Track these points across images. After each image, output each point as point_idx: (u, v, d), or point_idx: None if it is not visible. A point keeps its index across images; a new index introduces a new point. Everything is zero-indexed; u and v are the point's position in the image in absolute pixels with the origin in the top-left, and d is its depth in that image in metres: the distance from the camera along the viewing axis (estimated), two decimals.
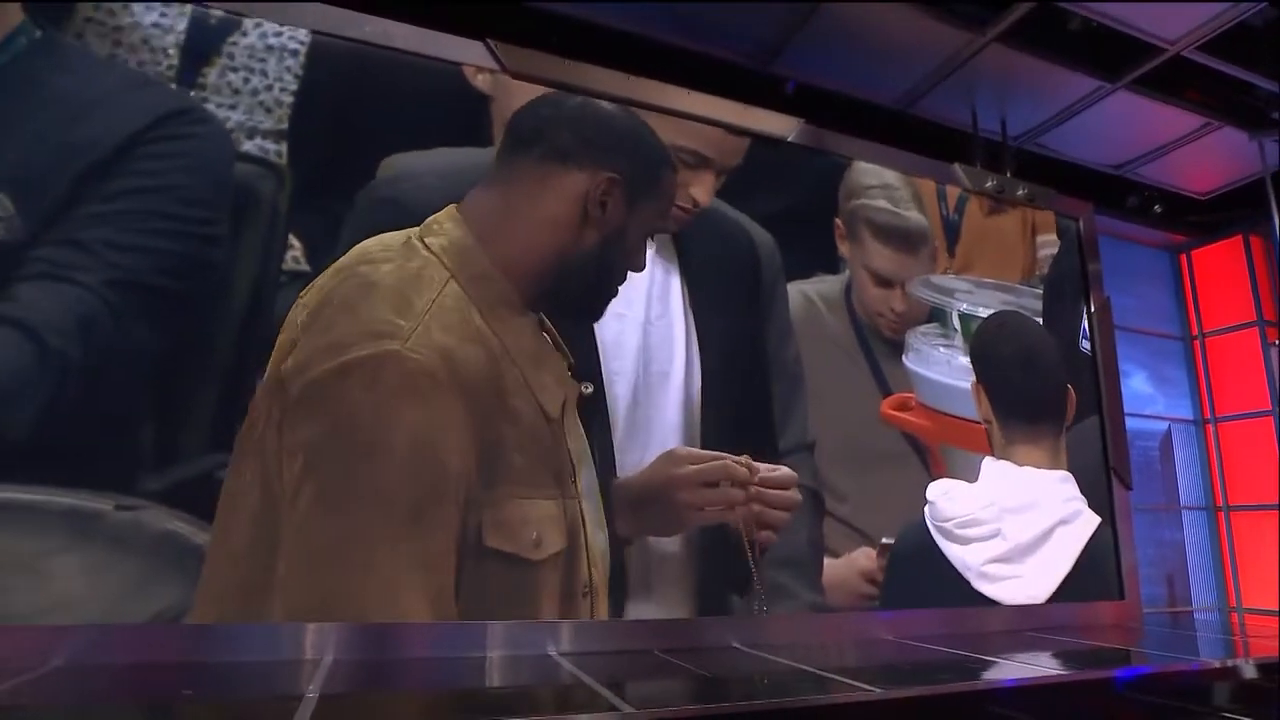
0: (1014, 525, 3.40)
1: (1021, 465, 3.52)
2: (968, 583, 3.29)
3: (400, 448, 2.09)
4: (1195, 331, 5.19)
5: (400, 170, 2.66)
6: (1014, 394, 3.63)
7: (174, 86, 2.49)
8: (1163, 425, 4.94)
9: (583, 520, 2.39)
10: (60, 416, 2.13)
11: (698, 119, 3.23)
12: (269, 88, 2.59)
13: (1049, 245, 4.19)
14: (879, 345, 3.54)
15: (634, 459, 2.78)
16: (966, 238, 3.94)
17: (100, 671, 1.97)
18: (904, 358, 3.59)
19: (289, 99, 2.61)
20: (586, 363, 2.72)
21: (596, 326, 2.79)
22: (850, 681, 1.98)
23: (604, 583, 2.49)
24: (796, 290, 3.35)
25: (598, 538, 2.49)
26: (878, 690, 1.91)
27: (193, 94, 2.50)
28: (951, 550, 3.31)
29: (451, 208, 2.39)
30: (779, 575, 2.93)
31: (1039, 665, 2.47)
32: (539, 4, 3.29)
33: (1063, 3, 3.28)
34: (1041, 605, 3.38)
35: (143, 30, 2.47)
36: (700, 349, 3.00)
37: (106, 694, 1.86)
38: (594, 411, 2.71)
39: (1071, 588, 3.45)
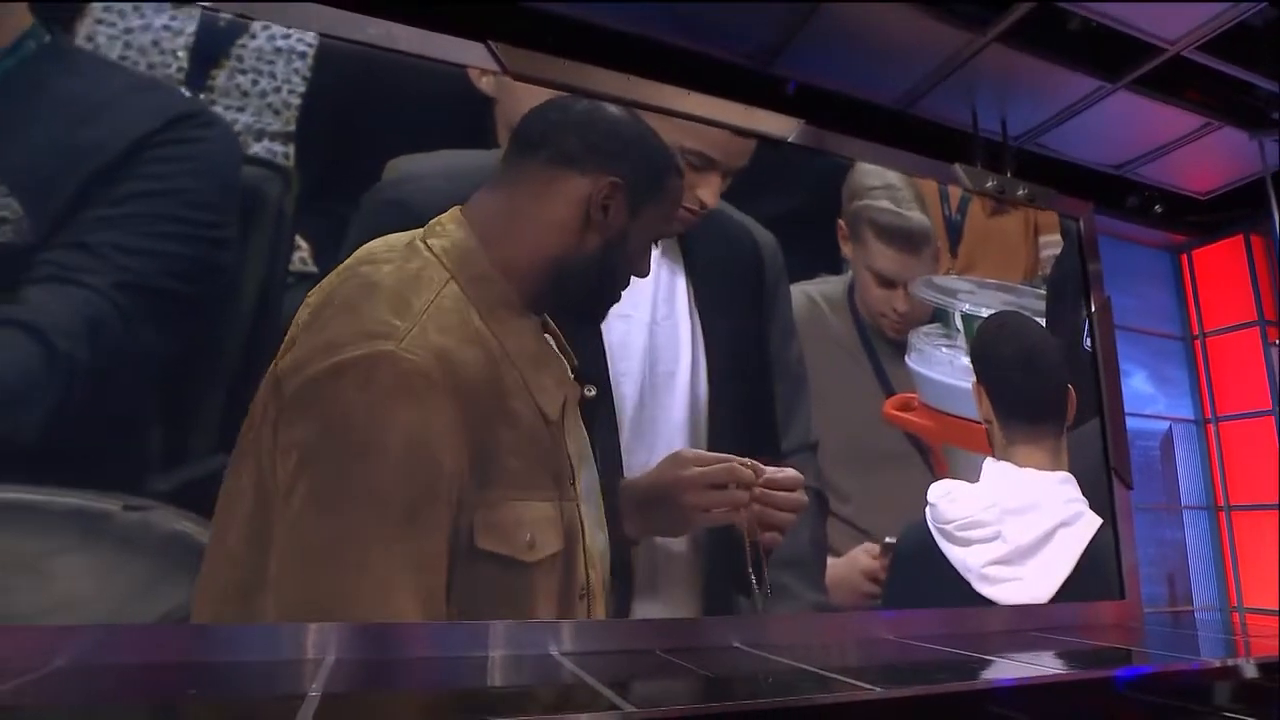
0: (1015, 527, 3.40)
1: (1022, 466, 3.53)
2: (969, 584, 3.30)
3: (394, 448, 2.10)
4: (1196, 331, 5.19)
5: (405, 172, 2.67)
6: (1014, 394, 3.63)
7: (183, 89, 2.50)
8: (1163, 425, 4.94)
9: (581, 522, 2.39)
10: (68, 418, 2.14)
11: (698, 120, 3.24)
12: (277, 90, 2.60)
13: (1051, 246, 4.19)
14: (882, 345, 3.55)
15: (640, 459, 2.79)
16: (969, 238, 3.94)
17: (103, 671, 1.98)
18: (906, 358, 3.60)
19: (297, 101, 2.62)
20: (593, 364, 2.73)
21: (603, 327, 2.81)
22: (851, 681, 1.98)
23: (601, 585, 2.49)
24: (800, 291, 3.36)
25: (597, 540, 2.49)
26: (878, 690, 1.91)
27: (202, 96, 2.52)
28: (952, 552, 3.31)
29: (455, 209, 2.40)
30: (782, 575, 2.93)
31: (1039, 665, 2.47)
32: (539, 5, 3.29)
33: (1063, 3, 3.28)
34: (1042, 605, 3.39)
35: (153, 32, 2.49)
36: (706, 350, 3.01)
37: (109, 694, 1.87)
38: (600, 412, 2.73)
39: (1072, 590, 3.45)
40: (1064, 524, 3.53)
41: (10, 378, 2.10)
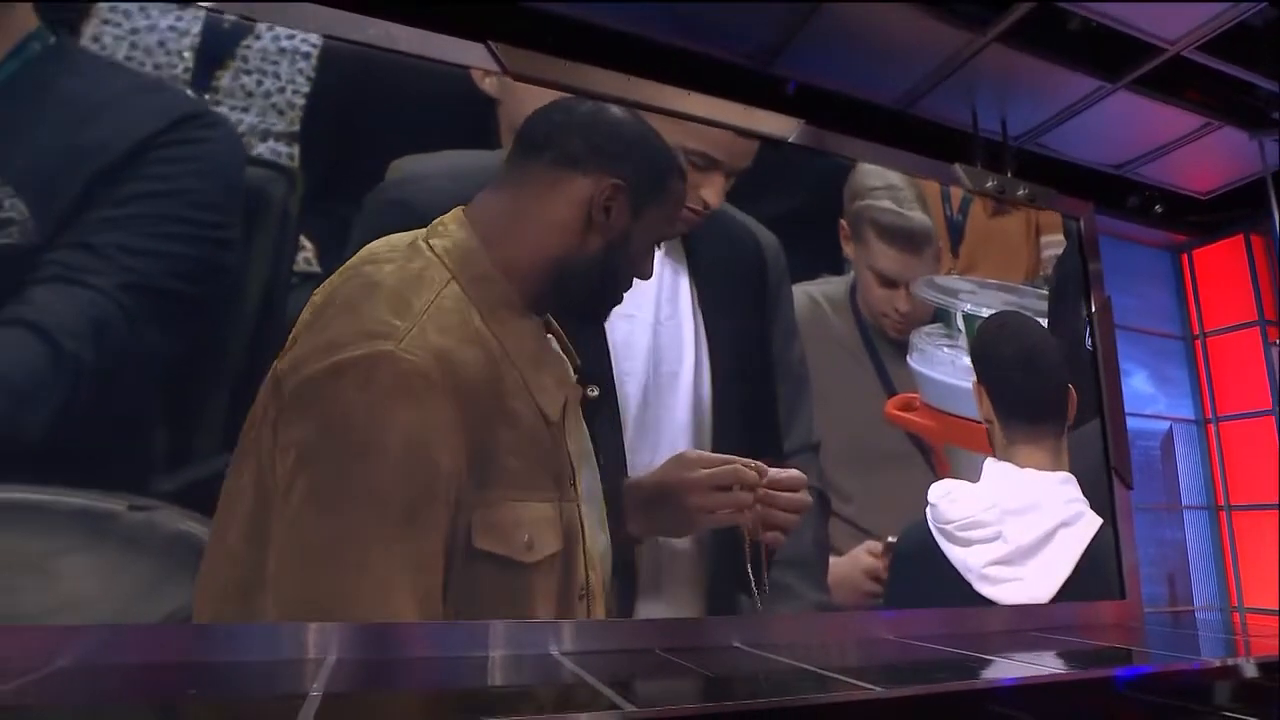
0: (1015, 527, 3.40)
1: (1023, 466, 3.53)
2: (969, 584, 3.30)
3: (392, 448, 2.10)
4: (1196, 331, 5.19)
5: (408, 172, 2.67)
6: (1015, 394, 3.63)
7: (189, 89, 2.50)
8: (1164, 425, 4.94)
9: (581, 523, 2.39)
10: (74, 418, 2.14)
11: (699, 120, 3.24)
12: (281, 90, 2.60)
13: (1053, 246, 4.20)
14: (884, 346, 3.55)
15: (644, 459, 2.79)
16: (970, 238, 3.94)
17: (104, 671, 1.98)
18: (908, 358, 3.60)
19: (301, 101, 2.63)
20: (597, 364, 2.74)
21: (607, 327, 2.81)
22: (852, 681, 1.99)
23: (602, 585, 2.50)
24: (802, 291, 3.36)
25: (598, 540, 2.49)
26: (878, 689, 1.91)
27: (207, 96, 2.52)
28: (953, 552, 3.31)
29: (458, 210, 2.40)
30: (785, 575, 2.94)
31: (1040, 664, 2.47)
32: (539, 5, 3.30)
33: (1063, 3, 3.28)
34: (1043, 605, 3.39)
35: (159, 33, 2.49)
36: (709, 350, 3.02)
37: (111, 694, 1.87)
38: (604, 412, 2.73)
39: (1072, 590, 3.46)
40: (1064, 524, 3.53)
41: (17, 378, 2.10)
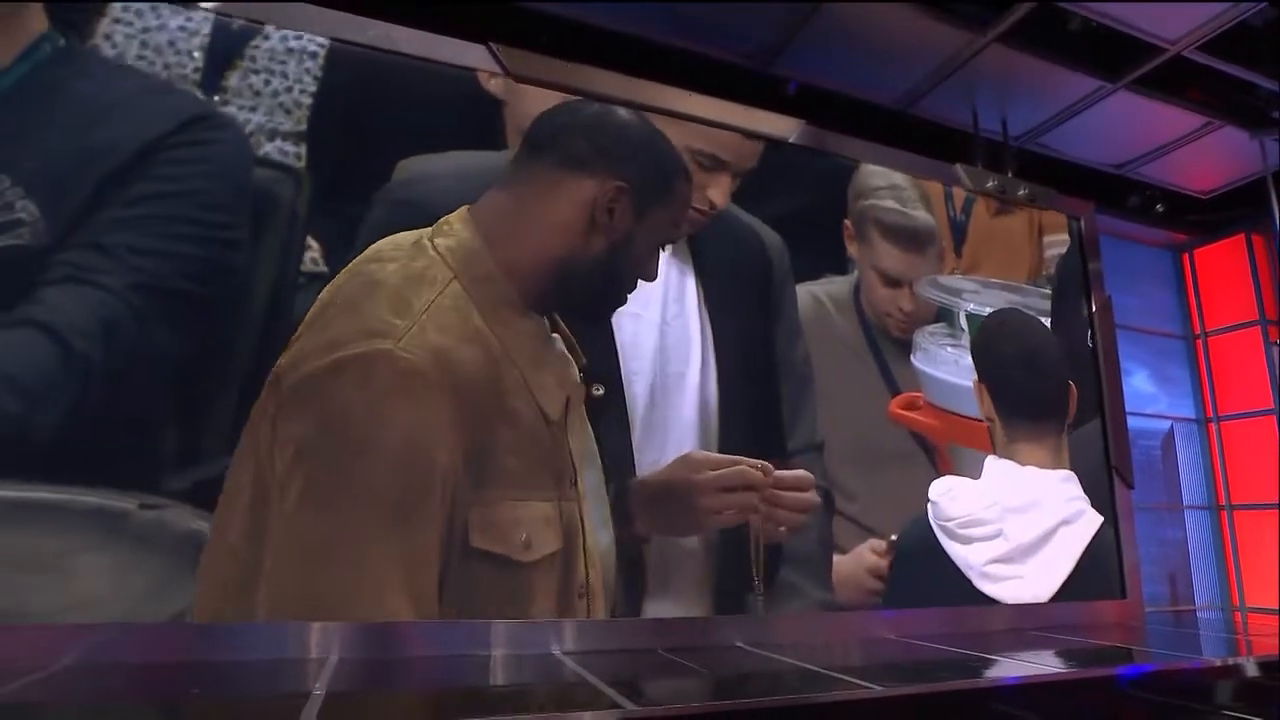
0: (1016, 525, 3.41)
1: (1024, 464, 3.53)
2: (970, 581, 3.30)
3: (389, 446, 2.11)
4: (1197, 330, 5.19)
5: (415, 173, 2.68)
6: (1015, 392, 3.63)
7: (198, 89, 2.52)
8: (1165, 424, 4.94)
9: (582, 522, 2.40)
10: (84, 418, 2.15)
11: (700, 121, 3.24)
12: (289, 89, 2.61)
13: (1056, 245, 4.20)
14: (887, 345, 3.56)
15: (651, 458, 2.81)
16: (973, 238, 3.95)
17: (108, 670, 1.99)
18: (912, 357, 3.61)
19: (308, 101, 2.64)
20: (604, 363, 2.75)
21: (614, 327, 2.82)
22: (854, 680, 1.99)
23: (602, 584, 2.50)
24: (805, 291, 3.37)
25: (599, 539, 2.50)
26: (878, 688, 1.91)
27: (216, 97, 2.53)
28: (954, 549, 3.32)
29: (464, 209, 2.41)
30: (790, 573, 2.95)
31: (1041, 663, 2.47)
32: (539, 5, 3.30)
33: (1063, 3, 3.28)
34: (1044, 604, 3.39)
35: (169, 32, 2.51)
36: (715, 350, 3.03)
37: (115, 693, 1.88)
38: (611, 411, 2.75)
39: (1073, 588, 3.46)
40: (1065, 522, 3.53)
41: (28, 378, 2.12)
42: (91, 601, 2.07)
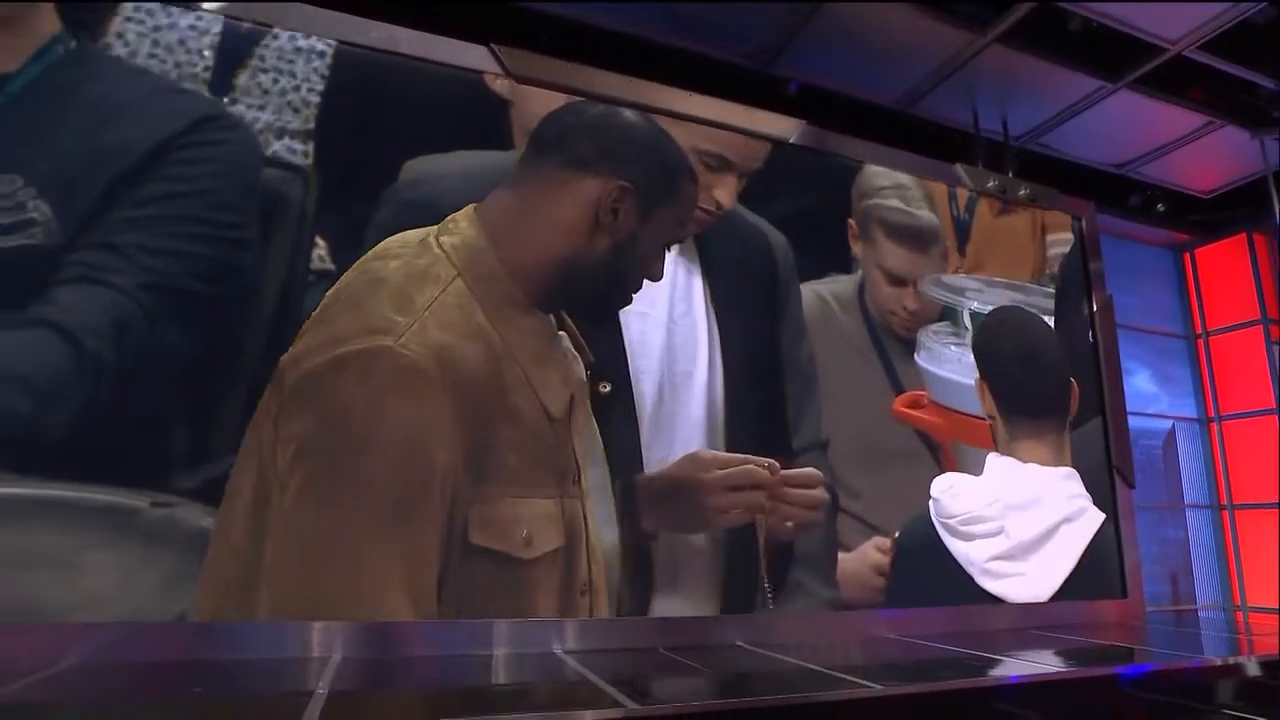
0: (1018, 522, 3.41)
1: (1026, 461, 3.53)
2: (972, 579, 3.30)
3: (388, 443, 2.11)
4: (1199, 330, 5.19)
5: (422, 173, 2.69)
6: (1016, 390, 3.64)
7: (207, 88, 2.53)
8: (1166, 423, 4.94)
9: (585, 519, 2.40)
10: (95, 417, 2.17)
11: (701, 121, 3.25)
12: (296, 88, 2.63)
13: (1060, 244, 4.21)
14: (892, 344, 3.57)
15: (660, 455, 2.82)
16: (977, 237, 3.96)
17: (111, 670, 1.99)
18: (916, 356, 3.62)
19: (316, 99, 2.65)
20: (612, 361, 2.77)
21: (622, 325, 2.84)
22: (856, 679, 1.99)
23: (605, 581, 2.51)
24: (810, 290, 3.38)
25: (603, 536, 2.50)
26: (879, 687, 1.92)
27: (225, 96, 2.55)
28: (956, 546, 3.32)
29: (470, 207, 2.43)
30: (796, 572, 2.96)
31: (1043, 663, 2.47)
32: (540, 6, 3.31)
33: (1063, 3, 3.29)
34: (1045, 603, 3.39)
35: (179, 31, 2.53)
36: (722, 349, 3.04)
37: (118, 692, 1.88)
38: (620, 409, 2.76)
39: (1075, 585, 3.46)
40: (1067, 519, 3.53)
41: (41, 377, 2.13)
42: (102, 598, 2.08)
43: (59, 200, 2.25)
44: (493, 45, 2.94)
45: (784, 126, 3.47)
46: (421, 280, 2.26)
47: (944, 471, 3.47)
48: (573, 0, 3.30)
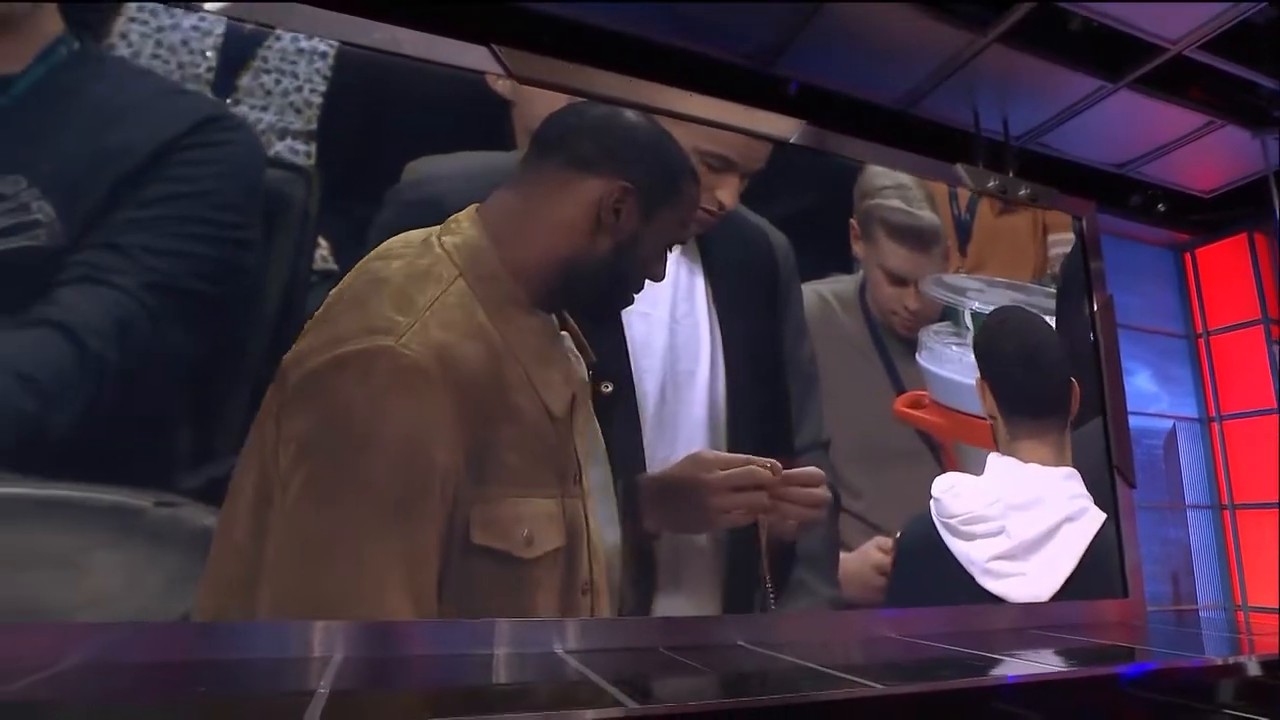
0: (1019, 522, 3.41)
1: (1026, 461, 3.53)
2: (972, 578, 3.31)
3: (389, 443, 2.12)
4: (1200, 330, 5.19)
5: (424, 174, 2.70)
6: (1017, 390, 3.64)
7: (210, 89, 2.54)
8: (1167, 423, 4.94)
9: (586, 518, 2.41)
10: (99, 417, 2.17)
11: (701, 121, 3.25)
12: (299, 89, 2.64)
13: (1061, 244, 4.21)
14: (893, 343, 3.58)
15: (662, 455, 2.83)
16: (978, 237, 3.97)
17: (114, 669, 2.00)
18: (917, 355, 3.62)
19: (318, 100, 2.66)
20: (615, 361, 2.78)
21: (625, 325, 2.85)
22: (856, 679, 1.99)
23: (606, 581, 2.51)
24: (812, 290, 3.38)
25: (605, 536, 2.51)
26: (880, 687, 1.92)
27: (228, 96, 2.56)
28: (956, 546, 3.32)
29: (472, 208, 2.43)
30: (798, 571, 2.97)
31: (1043, 662, 2.48)
32: (541, 6, 3.31)
33: (1064, 3, 3.29)
34: (1046, 603, 3.39)
35: (182, 32, 2.54)
36: (725, 349, 3.05)
37: (121, 692, 1.88)
38: (622, 409, 2.77)
39: (1076, 585, 3.46)
40: (1069, 519, 3.53)
41: (45, 376, 2.14)
42: (107, 598, 2.08)
43: (62, 201, 2.26)
44: (493, 46, 2.95)
45: (784, 126, 3.48)
46: (423, 280, 2.26)
47: (945, 471, 3.47)
48: (573, 0, 3.31)
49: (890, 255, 3.62)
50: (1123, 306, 4.33)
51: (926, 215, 3.76)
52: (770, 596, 2.86)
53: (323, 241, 2.56)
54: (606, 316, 2.74)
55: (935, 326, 3.68)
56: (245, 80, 2.58)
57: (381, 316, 2.18)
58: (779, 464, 2.85)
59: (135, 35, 2.48)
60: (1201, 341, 5.16)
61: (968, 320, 3.75)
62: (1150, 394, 4.92)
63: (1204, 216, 5.12)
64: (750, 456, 2.85)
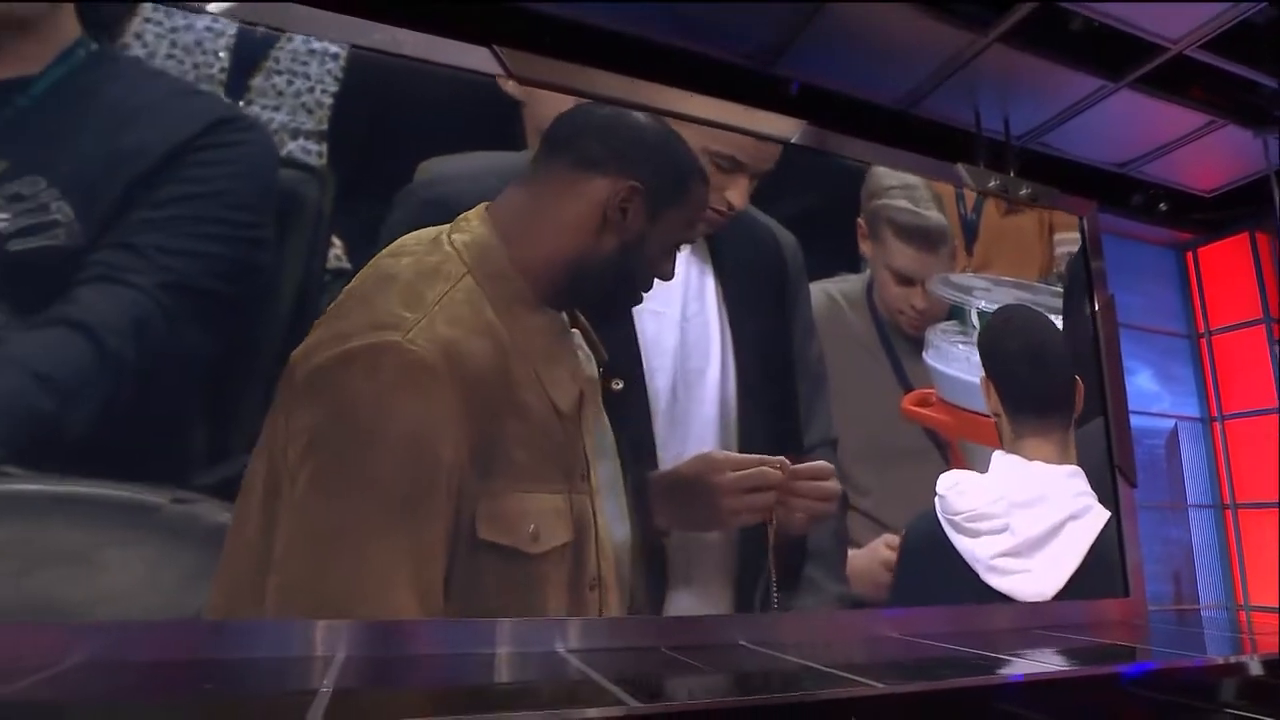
0: (1023, 520, 3.41)
1: (1031, 459, 3.53)
2: (977, 575, 3.31)
3: (395, 438, 2.13)
4: (1202, 329, 5.19)
5: (436, 174, 2.72)
6: (1021, 388, 3.64)
7: (223, 91, 2.56)
8: (1169, 423, 4.94)
9: (594, 514, 2.41)
10: (116, 415, 2.19)
11: (701, 121, 3.25)
12: (310, 89, 2.66)
13: (1067, 243, 4.22)
14: (900, 342, 3.59)
15: (674, 452, 2.85)
16: (984, 237, 3.98)
17: (120, 668, 2.00)
18: (924, 354, 3.63)
19: (329, 100, 2.68)
20: (625, 358, 2.79)
21: (636, 323, 2.86)
22: (858, 678, 2.00)
23: (615, 577, 2.52)
24: (820, 289, 3.40)
25: (613, 532, 2.51)
26: (881, 686, 1.92)
27: (240, 98, 2.58)
28: (961, 543, 3.33)
29: (481, 206, 2.45)
30: (806, 568, 2.99)
31: (1045, 661, 2.48)
32: (541, 6, 3.32)
33: (1065, 3, 3.29)
34: (1048, 603, 3.39)
35: (196, 32, 2.57)
36: (735, 347, 3.07)
37: (127, 690, 1.89)
38: (634, 406, 2.78)
39: (1080, 583, 3.46)
40: (1073, 517, 3.53)
41: (63, 375, 2.16)
42: (122, 594, 2.10)
43: (80, 201, 2.28)
44: (494, 46, 2.95)
45: (785, 127, 3.48)
46: (431, 277, 2.28)
47: (952, 469, 3.48)
48: (573, 0, 3.31)
49: (897, 255, 3.64)
50: (1124, 306, 4.33)
51: (933, 215, 3.77)
52: (774, 595, 2.86)
53: (337, 241, 2.58)
54: (614, 315, 2.75)
55: (942, 325, 3.69)
56: (258, 81, 2.60)
57: (389, 312, 2.19)
58: (788, 461, 2.87)
59: (150, 35, 2.51)
60: (1203, 341, 5.16)
61: (974, 319, 3.77)
62: (1152, 393, 4.92)
63: (1205, 216, 5.12)
64: (762, 457, 2.86)
